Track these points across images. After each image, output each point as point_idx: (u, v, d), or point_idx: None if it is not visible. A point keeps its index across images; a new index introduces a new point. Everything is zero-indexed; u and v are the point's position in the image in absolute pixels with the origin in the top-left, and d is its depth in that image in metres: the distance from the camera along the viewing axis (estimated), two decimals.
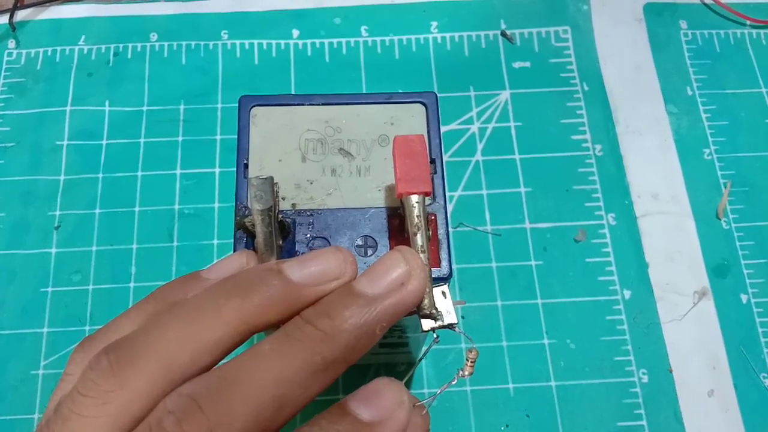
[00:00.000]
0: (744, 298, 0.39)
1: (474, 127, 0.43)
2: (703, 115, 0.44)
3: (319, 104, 0.25)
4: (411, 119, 0.25)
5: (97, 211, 0.40)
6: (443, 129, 0.43)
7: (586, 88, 0.44)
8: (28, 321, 0.38)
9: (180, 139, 0.42)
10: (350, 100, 0.25)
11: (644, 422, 0.36)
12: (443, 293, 0.21)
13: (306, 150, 0.24)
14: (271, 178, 0.20)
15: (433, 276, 0.21)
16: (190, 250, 0.40)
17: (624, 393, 0.37)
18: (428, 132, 0.25)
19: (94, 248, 0.39)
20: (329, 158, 0.24)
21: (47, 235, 0.40)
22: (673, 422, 0.36)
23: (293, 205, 0.23)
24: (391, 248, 0.23)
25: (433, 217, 0.23)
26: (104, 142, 0.42)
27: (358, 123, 0.25)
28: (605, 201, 0.41)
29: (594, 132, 0.43)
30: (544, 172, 0.42)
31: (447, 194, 0.24)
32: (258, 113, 0.25)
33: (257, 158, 0.24)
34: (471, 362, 0.22)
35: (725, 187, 0.42)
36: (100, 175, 0.41)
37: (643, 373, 0.37)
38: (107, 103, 0.43)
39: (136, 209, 0.40)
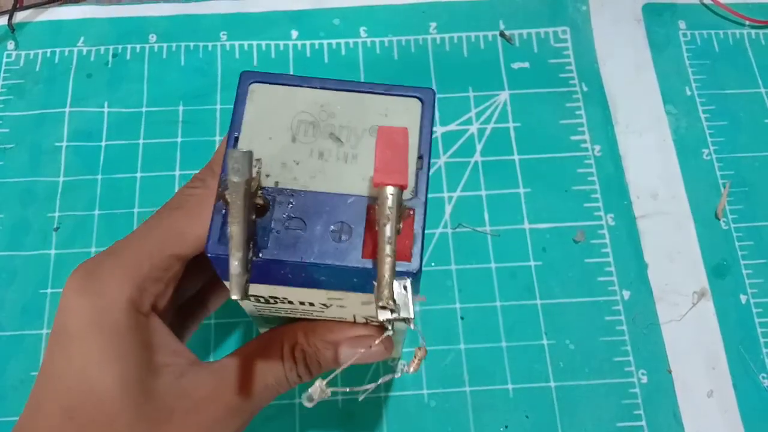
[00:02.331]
0: (743, 298, 0.39)
1: (473, 128, 0.43)
2: (702, 116, 0.44)
3: (317, 87, 0.25)
4: (405, 113, 0.25)
5: (97, 212, 0.40)
6: (442, 130, 0.43)
7: (585, 88, 0.44)
8: (27, 322, 0.38)
9: (179, 140, 0.42)
10: (349, 87, 0.25)
11: (643, 423, 0.36)
12: (404, 287, 0.21)
13: (297, 131, 0.24)
14: (251, 152, 0.20)
15: (401, 269, 0.22)
16: None
17: (623, 393, 0.37)
18: (421, 128, 0.24)
19: (93, 249, 0.39)
20: (319, 142, 0.24)
21: (46, 237, 0.40)
22: (672, 423, 0.36)
23: (276, 183, 0.23)
24: (365, 238, 0.23)
25: (411, 212, 0.23)
26: (103, 143, 0.42)
27: (353, 111, 0.24)
28: (604, 201, 0.41)
29: (593, 132, 0.43)
30: (543, 172, 0.42)
31: (428, 192, 0.24)
32: (256, 90, 0.25)
33: (248, 133, 0.24)
34: (418, 360, 0.23)
35: (724, 188, 0.42)
36: (99, 177, 0.41)
37: (643, 374, 0.37)
38: (106, 104, 0.43)
39: (135, 210, 0.40)
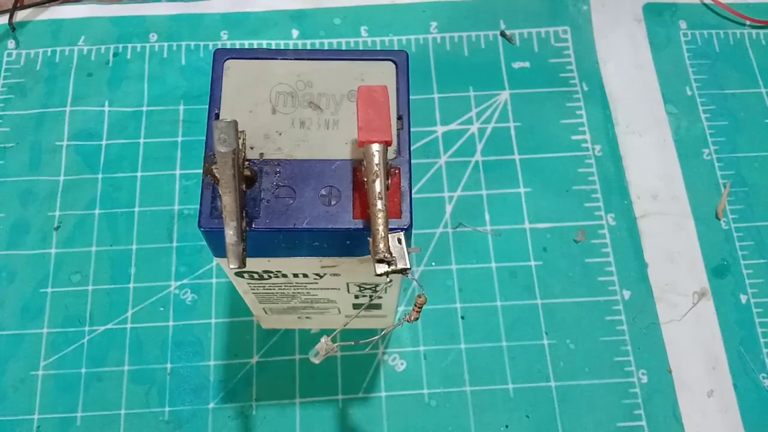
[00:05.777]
0: (743, 298, 0.39)
1: (473, 128, 0.43)
2: (703, 116, 0.44)
3: (291, 59, 0.25)
4: (381, 76, 0.25)
5: (97, 211, 0.40)
6: (442, 129, 0.43)
7: (585, 88, 0.44)
8: (27, 321, 0.38)
9: (180, 139, 0.42)
10: (322, 56, 0.25)
11: (644, 422, 0.36)
12: (399, 240, 0.22)
13: (276, 103, 0.24)
14: (235, 121, 0.20)
15: (393, 226, 0.22)
16: (190, 251, 0.40)
17: (623, 393, 0.37)
18: (398, 89, 0.25)
19: (93, 249, 0.39)
20: (299, 111, 0.24)
21: (47, 236, 0.40)
22: (672, 422, 0.36)
23: (261, 154, 0.24)
24: (354, 200, 0.23)
25: (397, 171, 0.24)
26: (104, 142, 0.42)
27: (329, 78, 0.25)
28: (605, 201, 0.41)
29: (593, 132, 0.43)
30: (544, 172, 0.42)
31: (412, 149, 0.24)
32: (231, 66, 0.25)
33: (228, 109, 0.24)
34: (418, 308, 0.23)
35: (724, 188, 0.42)
36: (100, 176, 0.41)
37: (643, 374, 0.37)
38: (107, 103, 0.43)
39: (136, 210, 0.40)
